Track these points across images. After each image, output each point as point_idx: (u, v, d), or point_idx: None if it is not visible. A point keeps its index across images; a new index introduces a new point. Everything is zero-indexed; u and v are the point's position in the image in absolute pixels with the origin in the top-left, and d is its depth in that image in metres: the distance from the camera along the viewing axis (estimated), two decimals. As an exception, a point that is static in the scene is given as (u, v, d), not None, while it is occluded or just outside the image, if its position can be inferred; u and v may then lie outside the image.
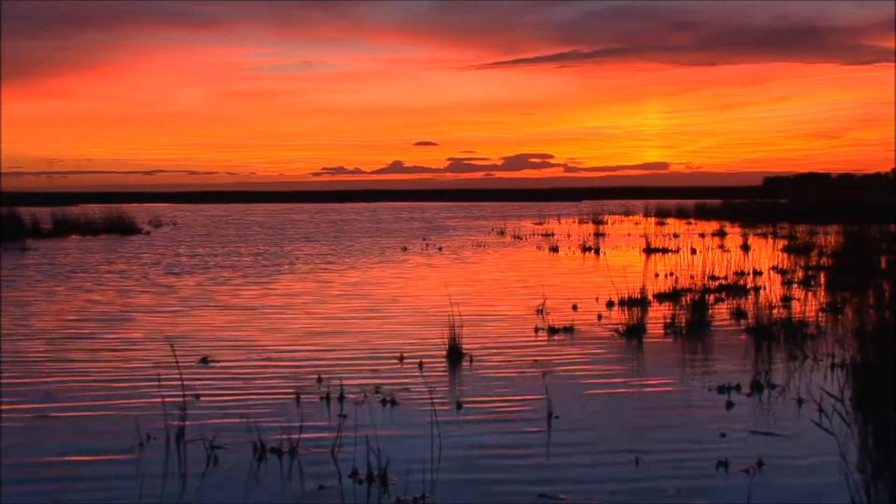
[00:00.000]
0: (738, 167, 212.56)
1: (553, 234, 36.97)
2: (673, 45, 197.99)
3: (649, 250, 27.19)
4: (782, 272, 19.19)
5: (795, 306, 13.58)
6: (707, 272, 15.73)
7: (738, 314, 13.16)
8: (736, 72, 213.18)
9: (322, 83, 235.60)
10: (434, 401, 7.93)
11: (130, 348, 10.95)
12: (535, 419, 7.51)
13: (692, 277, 15.60)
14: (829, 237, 23.80)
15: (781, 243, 27.85)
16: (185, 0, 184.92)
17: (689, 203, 59.79)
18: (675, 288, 15.24)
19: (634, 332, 11.80)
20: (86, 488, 5.85)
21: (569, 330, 12.07)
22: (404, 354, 10.32)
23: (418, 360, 9.97)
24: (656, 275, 19.33)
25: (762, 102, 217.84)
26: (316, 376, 9.13)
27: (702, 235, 34.96)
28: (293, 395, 8.33)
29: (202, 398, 8.24)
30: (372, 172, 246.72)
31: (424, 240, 34.13)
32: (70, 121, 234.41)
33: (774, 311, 11.78)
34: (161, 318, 13.57)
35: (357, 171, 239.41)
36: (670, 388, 8.75)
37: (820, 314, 12.97)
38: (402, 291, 17.01)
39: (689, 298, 13.10)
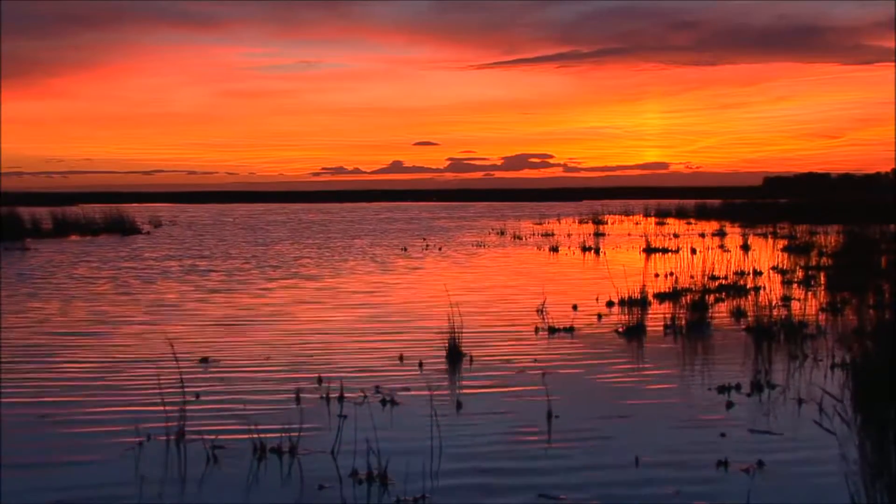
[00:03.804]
0: (737, 167, 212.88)
1: (553, 234, 36.97)
2: (673, 45, 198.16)
3: (649, 250, 27.18)
4: (782, 272, 19.20)
5: (795, 306, 13.59)
6: (707, 272, 15.72)
7: (738, 314, 13.16)
8: (736, 72, 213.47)
9: (322, 83, 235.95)
10: (434, 401, 7.93)
11: (130, 348, 10.95)
12: (535, 419, 7.51)
13: (692, 277, 15.61)
14: (829, 237, 23.81)
15: (781, 243, 27.86)
16: (185, 0, 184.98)
17: (689, 203, 59.79)
18: (675, 288, 15.24)
19: (634, 331, 11.81)
20: (86, 488, 5.85)
21: (569, 330, 12.07)
22: (404, 354, 10.32)
23: (418, 360, 9.98)
24: (656, 275, 19.33)
25: (762, 102, 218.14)
26: (316, 376, 9.13)
27: (702, 235, 34.96)
28: (293, 395, 8.33)
29: (202, 398, 8.24)
30: (372, 172, 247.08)
31: (424, 240, 34.13)
32: (70, 121, 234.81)
33: (774, 311, 11.78)
34: (160, 318, 13.57)
35: (357, 171, 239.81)
36: (670, 388, 8.75)
37: (820, 314, 12.98)
38: (401, 291, 17.01)
39: (689, 298, 13.09)
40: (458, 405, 7.99)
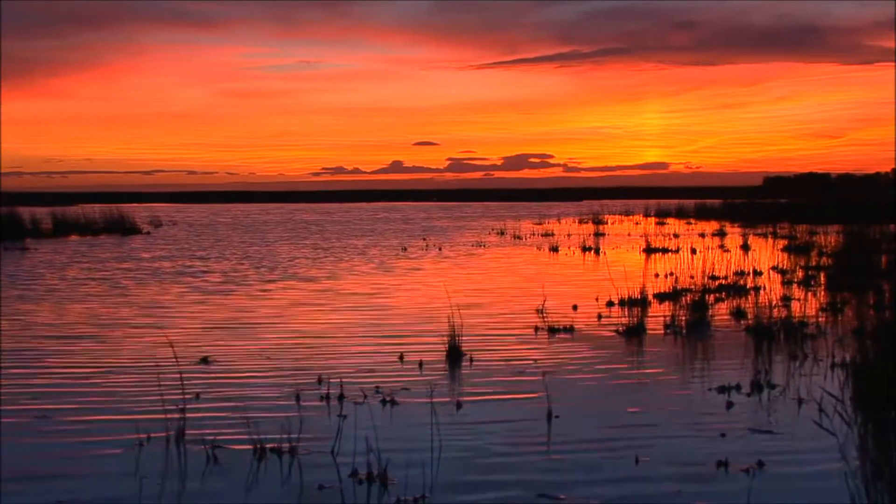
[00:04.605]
0: (737, 167, 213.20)
1: (553, 234, 36.97)
2: (673, 45, 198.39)
3: (649, 250, 27.18)
4: (782, 272, 19.19)
5: (795, 306, 13.58)
6: (707, 272, 15.70)
7: (738, 314, 13.16)
8: (736, 72, 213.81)
9: (322, 83, 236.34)
10: (434, 401, 7.93)
11: (130, 349, 10.95)
12: (535, 419, 7.51)
13: (692, 277, 15.59)
14: (829, 237, 23.80)
15: (781, 243, 27.86)
16: (185, 0, 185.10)
17: (689, 203, 59.77)
18: (675, 288, 15.23)
19: (634, 331, 11.80)
20: (86, 488, 5.85)
21: (569, 330, 12.07)
22: (404, 354, 10.32)
23: (418, 360, 9.97)
24: (656, 275, 19.33)
25: (762, 102, 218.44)
26: (316, 376, 9.13)
27: (702, 235, 34.95)
28: (293, 395, 8.32)
29: (202, 398, 8.24)
30: (372, 172, 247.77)
31: (424, 240, 34.13)
32: (70, 121, 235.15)
33: (774, 311, 11.78)
34: (160, 319, 13.57)
35: (357, 171, 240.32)
36: (670, 388, 8.75)
37: (820, 314, 12.97)
38: (401, 292, 17.00)
39: (689, 298, 13.09)
40: (458, 405, 7.99)
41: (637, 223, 48.15)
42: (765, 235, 33.75)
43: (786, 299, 14.41)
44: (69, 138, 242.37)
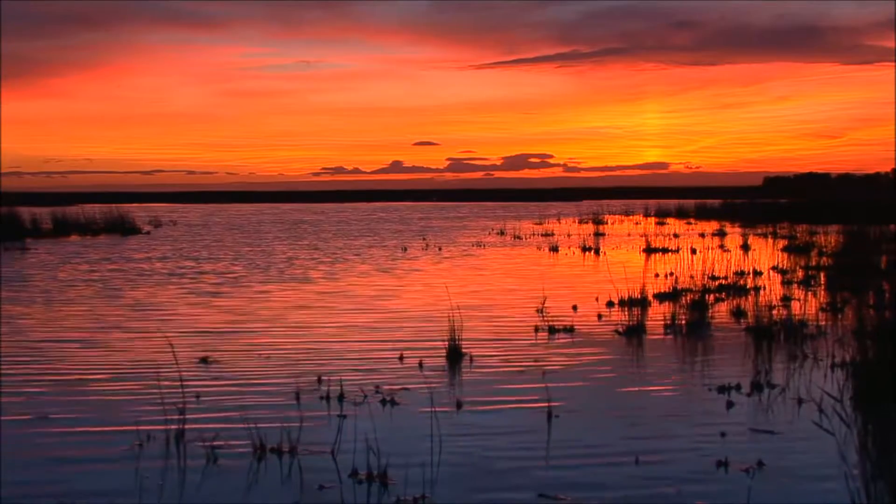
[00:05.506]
0: (737, 167, 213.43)
1: (553, 234, 36.96)
2: (673, 45, 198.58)
3: (649, 250, 27.17)
4: (782, 272, 19.19)
5: (795, 306, 13.58)
6: (707, 272, 15.72)
7: (738, 314, 13.16)
8: (736, 72, 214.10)
9: (322, 83, 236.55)
10: (434, 401, 7.92)
11: (130, 349, 10.94)
12: (535, 419, 7.51)
13: (692, 277, 15.59)
14: (829, 237, 23.80)
15: (781, 243, 27.86)
16: (185, 0, 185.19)
17: (689, 203, 59.76)
18: (675, 288, 15.24)
19: (634, 331, 11.80)
20: (86, 488, 5.85)
21: (569, 330, 12.07)
22: (404, 354, 10.32)
23: (418, 360, 9.97)
24: (656, 275, 19.32)
25: (762, 102, 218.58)
26: (316, 376, 9.12)
27: (702, 235, 34.95)
28: (293, 395, 8.32)
29: (202, 398, 8.24)
30: (371, 172, 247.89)
31: (424, 240, 34.12)
32: (70, 121, 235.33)
33: (774, 311, 11.78)
34: (160, 318, 13.56)
35: (357, 171, 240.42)
36: (670, 388, 8.74)
37: (820, 314, 12.97)
38: (401, 291, 16.99)
39: (689, 298, 13.10)
40: (458, 405, 7.99)
41: (637, 223, 48.14)
42: (765, 235, 33.75)
43: (786, 299, 14.42)
44: (69, 138, 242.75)
